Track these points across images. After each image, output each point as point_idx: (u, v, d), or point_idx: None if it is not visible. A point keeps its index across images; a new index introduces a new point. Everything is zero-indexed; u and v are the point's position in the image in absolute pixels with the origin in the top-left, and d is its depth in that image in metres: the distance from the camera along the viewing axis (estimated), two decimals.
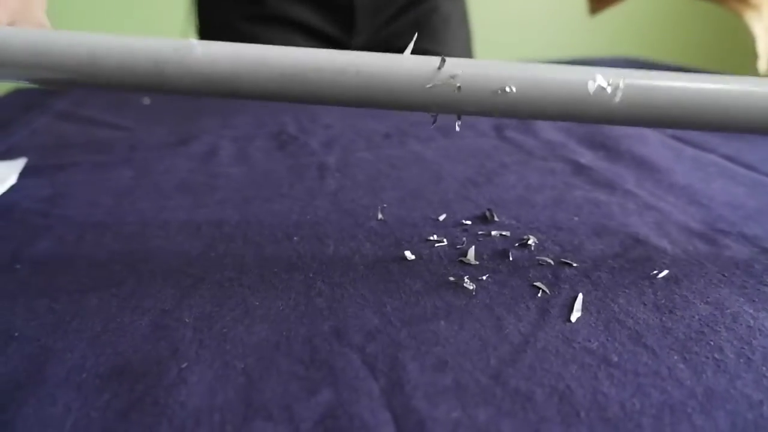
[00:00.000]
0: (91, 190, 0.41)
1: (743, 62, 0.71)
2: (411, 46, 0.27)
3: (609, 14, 0.87)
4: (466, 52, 0.94)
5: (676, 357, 0.23)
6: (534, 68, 0.27)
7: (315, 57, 0.26)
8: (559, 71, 0.27)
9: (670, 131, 0.51)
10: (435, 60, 0.26)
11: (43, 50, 0.26)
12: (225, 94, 0.27)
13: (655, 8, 1.99)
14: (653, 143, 0.48)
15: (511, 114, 0.27)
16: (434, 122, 0.29)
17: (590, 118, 0.28)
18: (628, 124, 0.28)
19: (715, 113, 0.27)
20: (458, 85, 0.26)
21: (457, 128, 0.30)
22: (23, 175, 0.43)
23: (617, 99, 0.26)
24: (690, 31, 1.98)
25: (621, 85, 0.26)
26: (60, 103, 0.65)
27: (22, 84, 0.73)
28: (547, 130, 0.53)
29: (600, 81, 0.26)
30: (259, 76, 0.26)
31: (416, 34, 0.30)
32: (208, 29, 0.89)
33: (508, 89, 0.26)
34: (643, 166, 0.43)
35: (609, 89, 0.26)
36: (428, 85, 0.26)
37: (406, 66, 0.27)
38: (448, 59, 0.26)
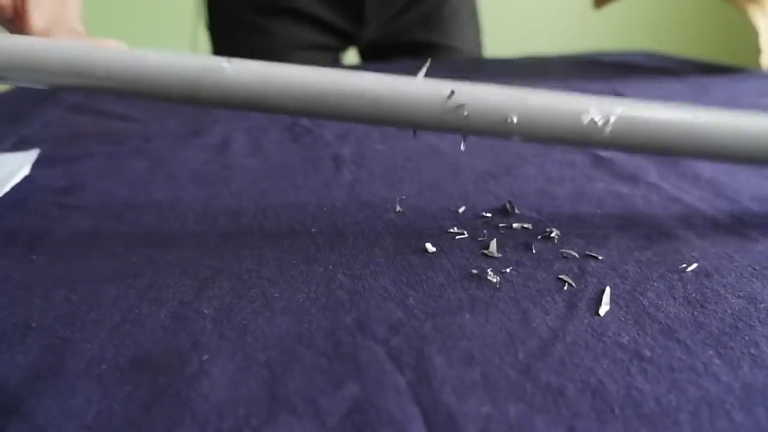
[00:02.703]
0: (105, 180, 0.41)
1: (751, 54, 0.70)
2: (424, 70, 0.29)
3: (619, 6, 0.86)
4: (475, 44, 0.93)
5: (710, 352, 0.22)
6: (536, 98, 0.29)
7: (335, 79, 0.29)
8: (558, 101, 0.29)
9: None
10: (446, 87, 0.29)
11: (89, 62, 0.28)
12: (251, 109, 0.30)
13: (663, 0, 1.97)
14: None
15: (512, 137, 0.30)
16: (414, 135, 0.32)
17: (582, 146, 0.31)
18: (617, 151, 0.32)
19: (702, 146, 0.30)
20: (466, 113, 0.29)
21: (462, 148, 0.32)
22: (37, 166, 0.43)
23: (607, 131, 0.29)
24: (699, 23, 1.96)
25: (611, 119, 0.29)
26: (72, 96, 0.65)
27: None
28: None
29: (593, 113, 0.29)
30: (283, 96, 0.29)
31: (428, 61, 0.32)
32: (218, 22, 0.88)
33: (509, 120, 0.29)
34: (664, 159, 0.42)
35: (600, 122, 0.29)
36: (439, 113, 0.29)
37: (418, 92, 0.29)
38: (456, 88, 0.28)
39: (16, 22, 0.35)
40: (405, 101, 0.29)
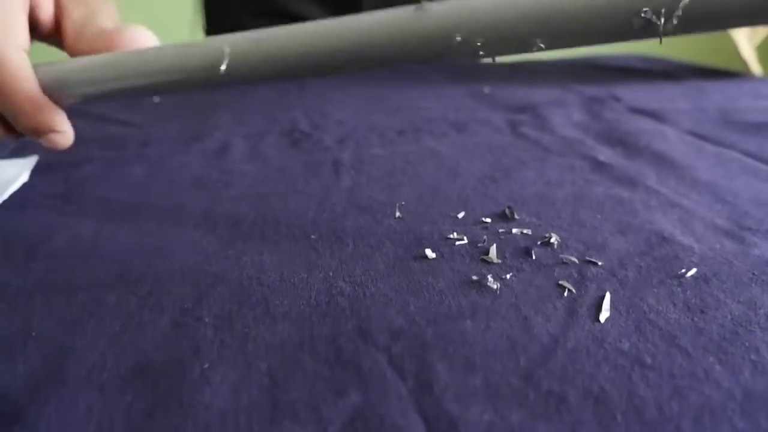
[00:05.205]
0: (105, 186, 0.41)
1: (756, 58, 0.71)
2: None
3: None
4: None
5: (711, 358, 0.22)
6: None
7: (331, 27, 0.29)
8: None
9: (688, 127, 0.51)
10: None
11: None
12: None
13: None
14: (672, 140, 0.48)
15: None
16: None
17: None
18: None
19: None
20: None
21: None
22: (35, 172, 0.43)
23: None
24: None
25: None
26: None
27: None
28: (564, 126, 0.52)
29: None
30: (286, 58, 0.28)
31: None
32: (216, 27, 0.89)
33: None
34: (663, 162, 0.42)
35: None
36: None
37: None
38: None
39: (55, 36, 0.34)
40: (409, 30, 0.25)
